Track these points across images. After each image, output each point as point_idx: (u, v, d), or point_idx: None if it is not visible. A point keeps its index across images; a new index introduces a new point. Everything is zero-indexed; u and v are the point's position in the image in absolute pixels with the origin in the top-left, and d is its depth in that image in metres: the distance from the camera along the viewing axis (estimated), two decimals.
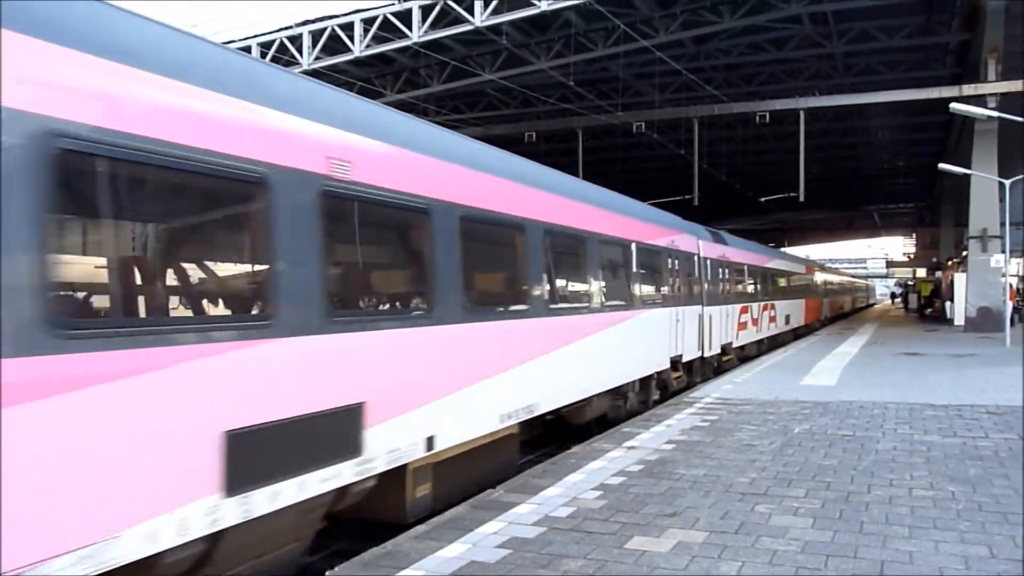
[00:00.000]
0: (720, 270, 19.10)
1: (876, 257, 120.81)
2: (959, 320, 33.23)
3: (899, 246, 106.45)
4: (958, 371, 17.15)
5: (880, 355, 21.61)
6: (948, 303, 38.54)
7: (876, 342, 26.74)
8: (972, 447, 9.23)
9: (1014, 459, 8.55)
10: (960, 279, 34.23)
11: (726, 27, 27.66)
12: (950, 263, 47.16)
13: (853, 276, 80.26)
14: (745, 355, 22.28)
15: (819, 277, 42.26)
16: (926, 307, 49.59)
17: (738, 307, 20.90)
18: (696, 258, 16.87)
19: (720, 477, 7.95)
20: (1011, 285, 29.83)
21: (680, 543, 5.94)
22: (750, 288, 23.19)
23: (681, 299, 15.23)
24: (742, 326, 21.32)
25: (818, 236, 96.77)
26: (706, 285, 17.50)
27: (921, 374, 16.72)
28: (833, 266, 67.96)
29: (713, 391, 14.49)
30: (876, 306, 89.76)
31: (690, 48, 30.40)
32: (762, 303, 24.57)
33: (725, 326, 19.31)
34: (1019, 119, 22.78)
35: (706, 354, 17.34)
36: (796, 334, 32.20)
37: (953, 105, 23.35)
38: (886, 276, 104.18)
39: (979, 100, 27.29)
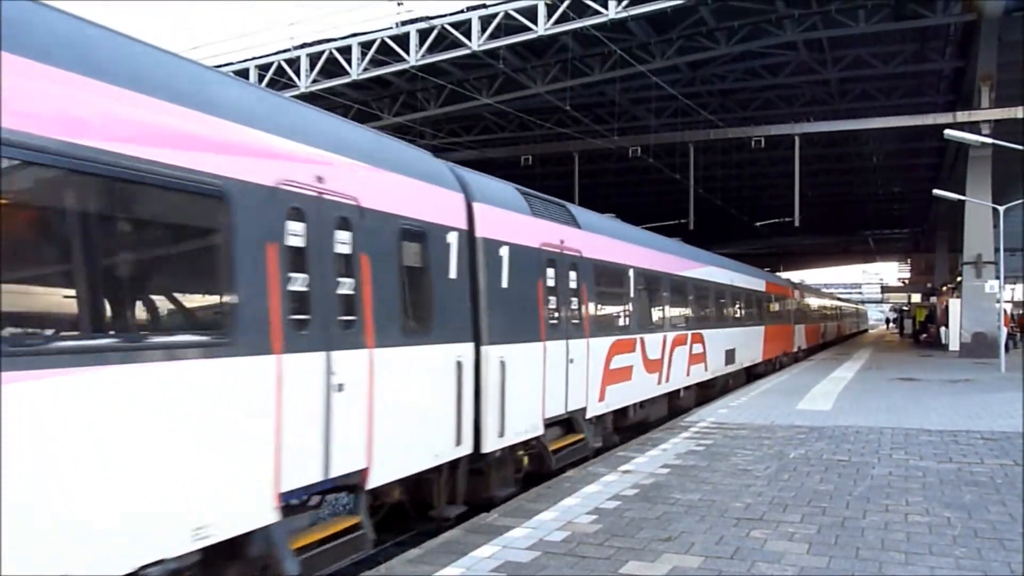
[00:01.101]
0: (550, 271, 10.18)
1: (871, 282, 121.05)
2: (954, 346, 33.24)
3: (894, 271, 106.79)
4: (953, 396, 17.14)
5: (875, 380, 21.59)
6: (943, 328, 38.60)
7: (872, 367, 26.74)
8: (968, 473, 9.21)
9: (1009, 485, 8.53)
10: (955, 305, 34.31)
11: (722, 53, 27.92)
12: (945, 288, 47.31)
13: (840, 299, 70.64)
14: (640, 421, 14.01)
15: (791, 298, 33.40)
16: (921, 332, 49.66)
17: (608, 341, 11.96)
18: (459, 240, 8.26)
19: (715, 502, 7.92)
20: (1005, 311, 29.92)
21: (675, 568, 5.90)
22: (645, 308, 14.20)
23: (385, 330, 6.86)
24: (616, 376, 12.20)
25: (813, 261, 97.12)
26: (486, 300, 8.66)
27: (916, 399, 16.69)
28: (821, 288, 66.44)
29: (709, 415, 14.45)
30: (870, 332, 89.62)
31: (686, 73, 30.64)
32: (675, 333, 15.69)
33: (561, 380, 10.31)
34: (1013, 145, 22.94)
35: (489, 446, 8.54)
36: (752, 374, 24.32)
37: (947, 131, 23.54)
38: (881, 301, 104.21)
39: (973, 127, 27.51)
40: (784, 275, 40.85)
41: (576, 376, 10.74)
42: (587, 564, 6.02)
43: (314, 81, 27.64)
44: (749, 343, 23.50)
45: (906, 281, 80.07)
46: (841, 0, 24.73)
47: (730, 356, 20.80)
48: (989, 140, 24.45)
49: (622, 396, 12.72)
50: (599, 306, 11.87)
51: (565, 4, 23.87)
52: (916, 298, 62.87)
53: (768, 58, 29.78)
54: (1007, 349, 27.12)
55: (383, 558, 6.98)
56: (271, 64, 28.03)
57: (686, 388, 16.95)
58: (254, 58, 28.34)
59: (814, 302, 43.11)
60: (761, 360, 25.49)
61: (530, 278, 9.59)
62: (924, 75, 32.79)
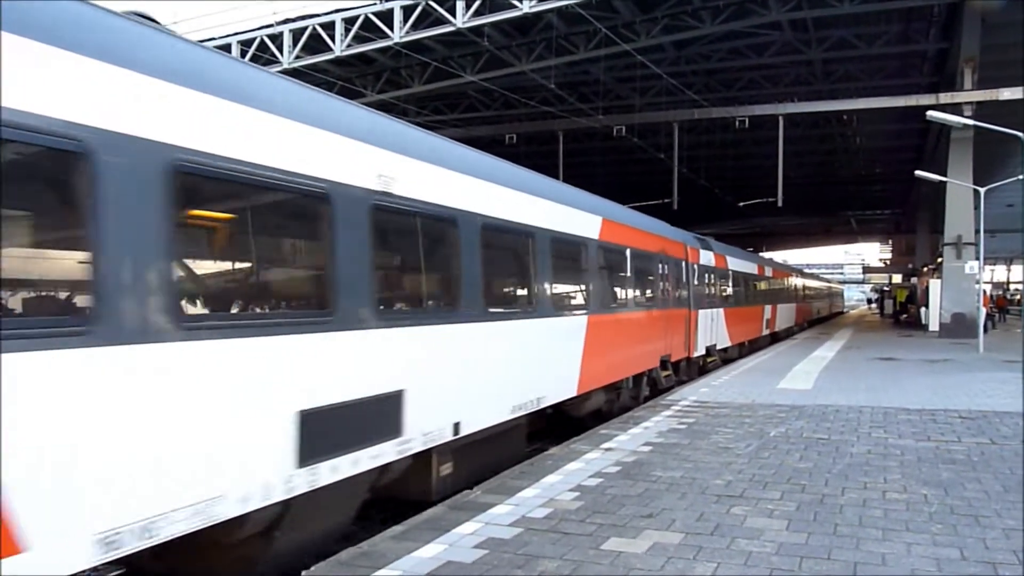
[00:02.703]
0: None
1: (853, 263, 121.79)
2: (934, 326, 33.59)
3: (876, 252, 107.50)
4: (932, 376, 17.32)
5: (856, 360, 21.76)
6: (923, 309, 38.94)
7: (852, 347, 26.96)
8: (945, 451, 9.32)
9: (985, 463, 8.65)
10: (935, 285, 34.60)
11: (707, 32, 27.84)
12: (925, 269, 47.68)
13: (801, 272, 49.82)
14: None
15: (692, 262, 19.24)
16: (901, 313, 50.04)
17: None
18: None
19: (696, 479, 7.99)
20: (985, 291, 30.21)
21: (656, 544, 5.96)
22: None
23: None
24: None
25: (796, 242, 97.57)
26: None
27: (896, 379, 16.85)
28: (805, 267, 64.05)
29: (691, 394, 14.55)
30: (850, 313, 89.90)
31: (671, 53, 30.55)
32: None
33: None
34: (995, 127, 23.06)
35: None
36: (560, 417, 12.11)
37: (930, 113, 23.62)
38: (863, 282, 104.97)
39: (955, 108, 27.64)
40: (783, 259, 36.99)
41: None
42: (569, 540, 6.06)
43: (297, 57, 27.37)
44: (529, 361, 9.99)
45: (887, 262, 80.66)
46: None
47: (386, 420, 6.77)
48: (971, 122, 24.55)
49: None
50: None
51: None
52: (897, 279, 63.38)
53: (753, 38, 29.72)
54: (986, 329, 27.40)
55: (365, 535, 7.01)
56: (254, 40, 27.73)
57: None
58: (236, 33, 28.02)
59: (749, 273, 27.81)
60: (579, 392, 11.43)
61: None
62: (908, 56, 32.86)
